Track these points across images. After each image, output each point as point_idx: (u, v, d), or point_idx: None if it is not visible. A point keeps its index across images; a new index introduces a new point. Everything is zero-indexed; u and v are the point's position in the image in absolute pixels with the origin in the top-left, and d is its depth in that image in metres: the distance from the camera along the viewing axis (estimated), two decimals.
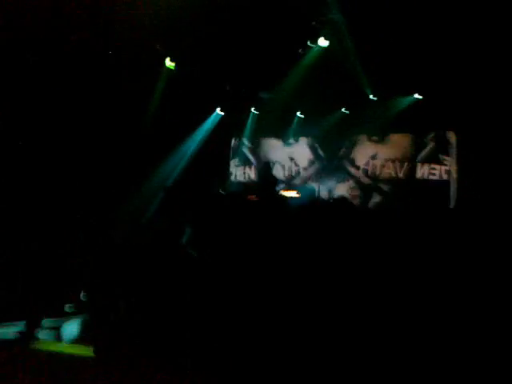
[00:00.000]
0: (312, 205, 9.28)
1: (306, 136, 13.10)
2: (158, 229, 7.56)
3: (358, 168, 12.28)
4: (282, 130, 13.04)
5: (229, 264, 7.03)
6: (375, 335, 4.34)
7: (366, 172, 12.16)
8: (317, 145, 12.95)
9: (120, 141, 10.67)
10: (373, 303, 4.63)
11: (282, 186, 10.08)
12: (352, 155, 12.51)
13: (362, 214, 9.39)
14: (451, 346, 4.21)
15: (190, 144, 12.22)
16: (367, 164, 12.21)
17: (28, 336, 6.19)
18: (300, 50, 10.58)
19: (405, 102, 11.53)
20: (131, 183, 10.01)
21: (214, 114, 12.50)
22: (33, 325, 6.49)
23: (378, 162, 12.24)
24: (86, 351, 5.89)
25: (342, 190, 11.74)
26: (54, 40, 9.26)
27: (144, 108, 11.23)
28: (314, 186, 9.85)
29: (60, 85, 9.79)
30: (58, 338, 6.31)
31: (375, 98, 11.80)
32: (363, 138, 12.60)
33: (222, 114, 12.58)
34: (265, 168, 10.28)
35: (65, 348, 6.06)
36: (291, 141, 13.11)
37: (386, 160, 12.18)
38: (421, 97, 11.38)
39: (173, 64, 11.03)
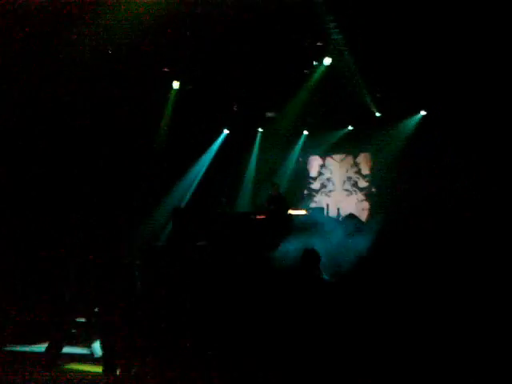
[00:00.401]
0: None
1: (313, 153, 13.19)
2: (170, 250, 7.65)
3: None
4: (288, 149, 13.15)
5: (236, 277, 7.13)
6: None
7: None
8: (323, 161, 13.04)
9: (132, 164, 10.82)
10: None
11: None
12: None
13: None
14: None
15: (201, 165, 12.36)
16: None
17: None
18: (306, 71, 10.70)
19: (412, 122, 11.60)
20: (145, 205, 10.12)
21: (223, 135, 12.63)
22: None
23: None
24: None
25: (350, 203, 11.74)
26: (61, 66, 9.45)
27: (154, 130, 11.38)
28: (323, 205, 9.94)
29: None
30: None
31: (380, 115, 11.88)
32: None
33: (229, 133, 12.71)
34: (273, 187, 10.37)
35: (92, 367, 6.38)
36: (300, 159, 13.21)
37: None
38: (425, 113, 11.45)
39: (178, 84, 11.21)
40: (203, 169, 12.38)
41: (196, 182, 12.18)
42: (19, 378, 5.87)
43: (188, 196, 11.80)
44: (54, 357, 6.45)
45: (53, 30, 8.54)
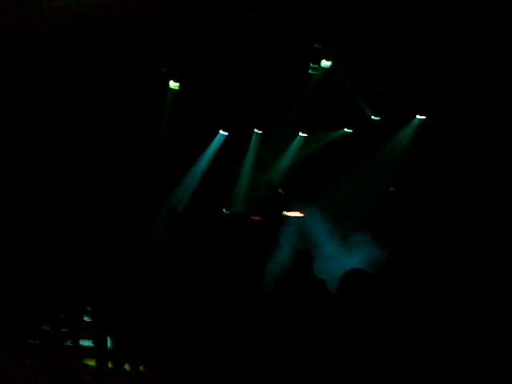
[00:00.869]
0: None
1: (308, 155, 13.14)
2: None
3: None
4: (284, 150, 13.12)
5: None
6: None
7: None
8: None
9: (130, 164, 10.82)
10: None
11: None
12: None
13: None
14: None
15: (198, 166, 12.34)
16: None
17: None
18: (310, 71, 10.69)
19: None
20: (144, 208, 10.10)
21: (218, 136, 12.60)
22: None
23: None
24: None
25: None
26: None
27: (152, 130, 11.36)
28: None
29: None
30: None
31: (378, 118, 11.89)
32: None
33: (226, 134, 12.69)
34: (270, 188, 10.36)
35: None
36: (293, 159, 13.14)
37: None
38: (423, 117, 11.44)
39: (177, 85, 11.17)
40: (200, 169, 12.36)
41: (194, 183, 12.15)
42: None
43: (186, 197, 11.78)
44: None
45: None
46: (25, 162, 9.86)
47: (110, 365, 6.61)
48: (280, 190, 10.47)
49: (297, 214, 9.77)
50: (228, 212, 10.80)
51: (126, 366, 6.65)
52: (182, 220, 9.33)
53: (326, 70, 10.84)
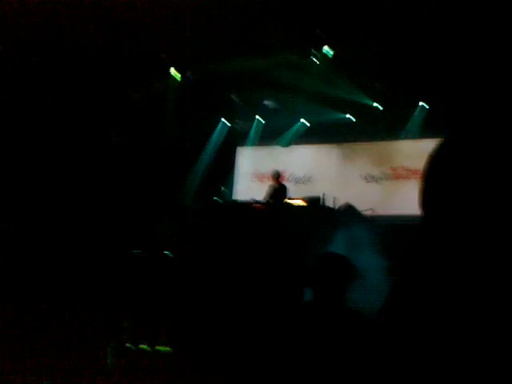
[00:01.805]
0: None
1: (309, 142, 13.08)
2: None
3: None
4: (285, 137, 13.06)
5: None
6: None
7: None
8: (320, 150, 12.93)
9: (134, 156, 10.79)
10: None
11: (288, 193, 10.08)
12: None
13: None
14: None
15: (203, 156, 12.35)
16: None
17: None
18: (310, 58, 10.61)
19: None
20: (151, 202, 10.09)
21: (220, 124, 12.54)
22: None
23: None
24: None
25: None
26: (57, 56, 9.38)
27: (153, 120, 11.30)
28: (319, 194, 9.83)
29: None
30: None
31: (380, 106, 11.79)
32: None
33: (227, 123, 12.64)
34: (275, 176, 10.32)
35: None
36: (293, 147, 13.05)
37: None
38: (427, 106, 11.32)
39: (178, 74, 11.10)
40: (203, 159, 12.33)
41: (199, 174, 12.12)
42: None
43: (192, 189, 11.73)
44: None
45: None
46: (28, 162, 9.81)
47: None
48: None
49: (299, 201, 9.77)
50: (220, 200, 10.64)
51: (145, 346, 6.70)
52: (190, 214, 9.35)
53: (327, 56, 10.75)
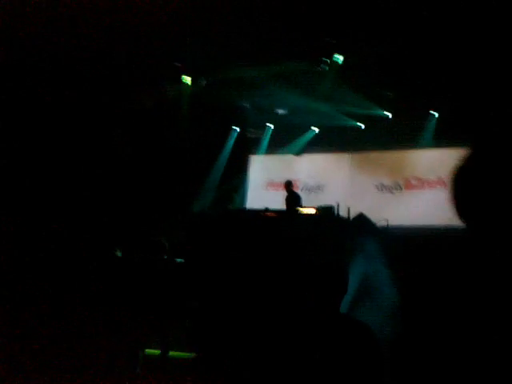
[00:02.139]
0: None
1: (321, 150, 13.09)
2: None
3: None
4: (296, 145, 13.09)
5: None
6: None
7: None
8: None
9: (145, 161, 10.82)
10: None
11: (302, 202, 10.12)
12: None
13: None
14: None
15: (217, 164, 12.37)
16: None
17: None
18: (320, 66, 10.61)
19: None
20: (166, 209, 10.12)
21: (233, 132, 12.58)
22: None
23: None
24: None
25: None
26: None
27: (165, 127, 11.33)
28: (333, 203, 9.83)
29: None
30: None
31: (389, 115, 11.83)
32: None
33: (239, 130, 12.67)
34: (287, 185, 10.37)
35: None
36: (305, 155, 13.06)
37: None
38: (436, 114, 11.35)
39: (189, 80, 11.14)
40: (217, 167, 12.37)
41: (215, 183, 12.16)
42: None
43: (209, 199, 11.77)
44: None
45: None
46: (33, 163, 9.84)
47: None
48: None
49: (311, 210, 9.78)
50: (232, 208, 10.70)
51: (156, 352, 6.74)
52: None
53: (338, 64, 10.75)
